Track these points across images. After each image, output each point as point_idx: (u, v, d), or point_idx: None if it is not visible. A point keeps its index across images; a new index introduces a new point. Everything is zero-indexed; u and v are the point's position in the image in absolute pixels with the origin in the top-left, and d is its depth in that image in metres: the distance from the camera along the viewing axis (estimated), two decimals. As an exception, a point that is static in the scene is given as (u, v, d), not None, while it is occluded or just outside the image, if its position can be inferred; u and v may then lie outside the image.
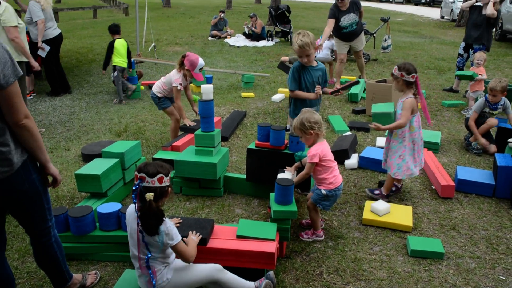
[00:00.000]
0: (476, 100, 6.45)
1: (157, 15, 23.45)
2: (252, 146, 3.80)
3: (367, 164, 4.65)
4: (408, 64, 3.71)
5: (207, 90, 3.88)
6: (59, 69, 7.59)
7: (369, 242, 3.33)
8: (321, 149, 3.15)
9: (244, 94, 7.56)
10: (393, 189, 4.08)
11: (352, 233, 3.45)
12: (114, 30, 7.43)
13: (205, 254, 2.72)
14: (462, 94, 7.96)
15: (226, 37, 14.71)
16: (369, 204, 3.73)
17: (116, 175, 3.81)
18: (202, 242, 2.68)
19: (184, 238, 2.49)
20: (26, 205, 2.25)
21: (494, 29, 8.30)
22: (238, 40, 14.23)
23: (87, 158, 4.65)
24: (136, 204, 2.24)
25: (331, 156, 3.21)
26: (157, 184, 2.24)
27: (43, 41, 6.99)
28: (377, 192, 4.02)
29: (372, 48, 12.40)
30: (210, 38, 14.72)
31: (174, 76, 4.86)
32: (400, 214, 3.61)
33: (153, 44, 11.29)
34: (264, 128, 3.70)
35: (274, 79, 8.82)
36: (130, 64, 7.42)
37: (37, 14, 6.81)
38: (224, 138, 5.30)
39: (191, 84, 7.82)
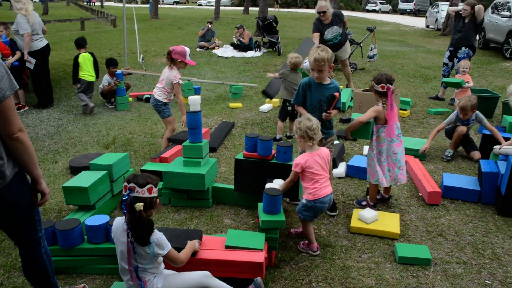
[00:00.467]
0: None
1: (145, 26, 23.50)
2: (240, 156, 3.82)
3: (354, 172, 4.69)
4: (382, 74, 3.77)
5: (194, 101, 3.90)
6: (47, 81, 7.57)
7: (357, 250, 3.36)
8: (306, 160, 3.15)
9: (232, 104, 7.59)
10: (378, 197, 4.13)
11: (340, 241, 3.48)
12: (79, 44, 7.44)
13: (194, 265, 2.73)
14: (448, 102, 8.08)
15: (214, 48, 14.79)
16: (357, 212, 3.76)
17: (104, 187, 3.81)
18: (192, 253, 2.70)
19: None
20: (18, 217, 2.25)
21: (478, 37, 8.50)
22: (226, 51, 14.31)
23: (74, 170, 4.63)
24: (125, 215, 2.25)
25: (317, 168, 3.15)
26: (146, 194, 2.27)
27: (29, 53, 6.97)
28: (364, 203, 4.07)
29: (360, 57, 12.53)
30: (198, 49, 14.78)
31: (171, 74, 4.95)
32: (388, 222, 3.65)
33: (141, 55, 11.31)
34: (252, 138, 3.73)
35: (262, 90, 8.86)
36: (97, 75, 7.44)
37: (23, 27, 6.80)
38: (213, 149, 5.32)
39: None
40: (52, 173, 4.79)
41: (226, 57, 13.32)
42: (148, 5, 36.64)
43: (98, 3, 59.58)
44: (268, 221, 2.94)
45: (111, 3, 68.70)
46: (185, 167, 3.91)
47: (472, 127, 5.40)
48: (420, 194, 4.33)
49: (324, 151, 3.28)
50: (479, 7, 7.60)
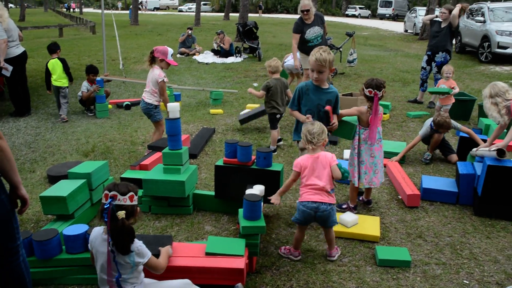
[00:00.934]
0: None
1: (124, 33, 23.35)
2: (220, 163, 3.81)
3: (335, 176, 4.72)
4: (373, 79, 3.83)
5: (173, 108, 3.88)
6: (24, 89, 7.45)
7: (339, 254, 3.37)
8: (304, 161, 3.16)
9: (212, 110, 7.58)
10: (360, 197, 4.20)
11: (321, 245, 3.49)
12: (50, 49, 7.51)
13: (174, 272, 2.71)
14: (426, 105, 8.21)
15: (194, 54, 14.77)
16: (337, 216, 3.78)
17: (83, 196, 3.76)
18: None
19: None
20: None
21: (454, 41, 8.69)
22: (207, 57, 14.31)
23: (53, 179, 4.56)
24: (106, 224, 2.23)
25: (311, 172, 3.13)
26: (128, 202, 2.27)
27: (5, 60, 6.85)
28: (344, 206, 4.10)
29: (339, 62, 12.65)
30: (178, 55, 14.74)
31: (155, 74, 5.02)
32: (368, 225, 3.68)
33: (121, 62, 11.23)
34: (232, 144, 3.72)
35: (242, 95, 8.88)
36: (70, 79, 7.48)
37: (-1, 34, 6.69)
38: (193, 156, 5.29)
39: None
40: (29, 182, 4.71)
41: (206, 63, 13.32)
42: (128, 12, 36.46)
43: (77, 10, 59.00)
44: (248, 227, 2.94)
45: (90, 10, 68.25)
46: (165, 174, 3.89)
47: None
48: (400, 197, 4.38)
49: (324, 156, 3.17)
50: (453, 14, 7.74)
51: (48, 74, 7.23)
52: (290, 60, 8.57)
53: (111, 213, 2.22)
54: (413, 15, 26.58)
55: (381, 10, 47.92)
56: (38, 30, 23.00)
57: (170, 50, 5.12)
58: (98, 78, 7.44)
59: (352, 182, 3.99)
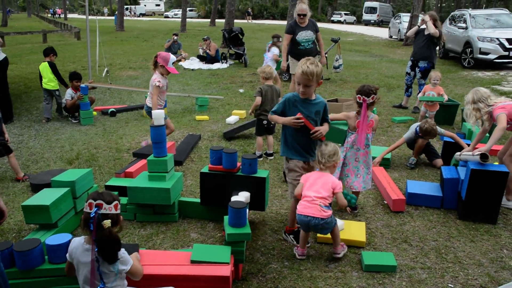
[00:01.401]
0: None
1: (110, 39, 23.23)
2: (205, 169, 3.79)
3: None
4: (364, 86, 3.91)
5: (158, 115, 3.86)
6: (6, 96, 7.33)
7: (324, 260, 3.37)
8: (310, 175, 3.36)
9: (198, 117, 7.55)
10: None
11: (308, 252, 3.48)
12: (45, 52, 7.90)
13: (159, 281, 2.69)
14: (411, 110, 8.29)
15: (180, 60, 14.73)
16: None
17: (67, 204, 3.70)
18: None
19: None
20: None
21: (438, 48, 8.84)
22: (193, 63, 14.28)
23: (36, 188, 4.49)
24: (91, 233, 2.20)
25: (310, 185, 3.28)
26: (113, 211, 2.25)
27: None
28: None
29: (325, 68, 12.72)
30: (164, 61, 14.67)
31: (152, 78, 5.24)
32: (354, 230, 3.68)
33: (106, 69, 11.15)
34: (217, 151, 3.71)
35: (228, 101, 8.88)
36: (61, 82, 7.74)
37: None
38: (179, 162, 5.26)
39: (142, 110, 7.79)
40: (11, 191, 4.63)
41: (192, 69, 13.29)
42: (113, 18, 36.31)
43: (62, 15, 58.58)
44: (233, 234, 2.93)
45: (75, 15, 67.76)
46: (150, 182, 3.86)
47: None
48: (385, 202, 4.41)
49: (329, 178, 3.32)
50: (433, 32, 7.84)
51: (40, 76, 7.59)
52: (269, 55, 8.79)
53: (97, 222, 2.20)
54: (398, 21, 26.96)
55: (366, 16, 48.47)
56: (21, 36, 22.76)
57: (172, 58, 5.27)
58: (82, 85, 7.36)
59: None
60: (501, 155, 4.43)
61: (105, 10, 68.09)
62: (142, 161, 4.89)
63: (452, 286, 3.09)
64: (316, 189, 3.25)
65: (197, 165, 5.32)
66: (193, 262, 2.80)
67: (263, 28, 32.48)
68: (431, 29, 7.84)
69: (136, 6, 65.90)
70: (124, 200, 3.97)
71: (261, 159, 5.50)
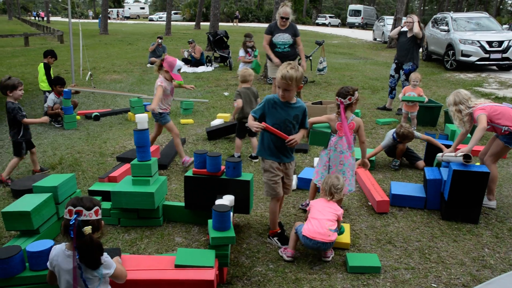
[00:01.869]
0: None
1: (94, 42, 23.04)
2: (189, 173, 3.77)
3: (305, 185, 4.73)
4: (341, 88, 3.93)
5: (141, 119, 3.84)
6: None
7: (309, 262, 3.38)
8: (316, 203, 3.51)
9: (183, 120, 7.52)
10: None
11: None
12: (44, 53, 8.20)
13: (143, 286, 2.67)
14: (395, 112, 8.37)
15: (165, 64, 14.64)
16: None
17: (49, 210, 3.65)
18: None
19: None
20: None
21: (421, 50, 8.97)
22: (178, 66, 14.20)
23: (17, 194, 4.42)
24: (72, 240, 2.18)
25: (315, 213, 3.40)
26: (94, 217, 2.23)
27: None
28: (303, 204, 4.28)
29: (309, 70, 12.79)
30: (148, 65, 14.61)
31: (157, 81, 5.14)
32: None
33: (89, 72, 11.05)
34: (201, 155, 3.69)
35: (213, 105, 8.86)
36: (49, 84, 7.82)
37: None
38: (163, 166, 5.23)
39: (129, 113, 7.73)
40: (-8, 197, 4.55)
41: (177, 73, 13.22)
42: (97, 21, 36.04)
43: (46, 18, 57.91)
44: (217, 237, 2.92)
45: (58, 18, 67.03)
46: (134, 186, 3.83)
47: None
48: (370, 203, 4.44)
49: (337, 207, 3.45)
50: (415, 33, 7.94)
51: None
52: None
53: (78, 229, 2.17)
54: (382, 24, 27.27)
55: (350, 19, 48.93)
56: (1, 39, 22.41)
57: (178, 65, 5.15)
58: (65, 89, 7.28)
59: (314, 182, 4.07)
60: (482, 156, 4.50)
61: (90, 13, 67.56)
62: (126, 165, 4.85)
63: (435, 285, 3.12)
64: (325, 213, 3.37)
65: (182, 169, 5.29)
66: (177, 266, 2.78)
67: (248, 31, 32.50)
68: (415, 28, 7.93)
69: (124, 9, 65.55)
70: (107, 205, 3.93)
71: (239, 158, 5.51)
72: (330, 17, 55.80)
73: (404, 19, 8.64)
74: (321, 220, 3.31)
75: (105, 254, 2.31)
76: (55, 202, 3.75)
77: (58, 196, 3.75)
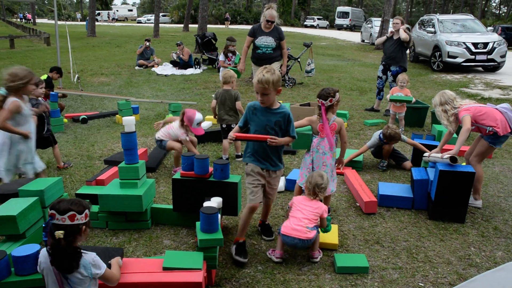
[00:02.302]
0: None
1: (81, 44, 22.88)
2: (177, 176, 3.76)
3: (293, 186, 4.74)
4: (322, 89, 3.94)
5: (129, 122, 3.82)
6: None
7: (298, 263, 3.39)
8: (298, 200, 3.52)
9: (172, 122, 7.48)
10: None
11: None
12: (50, 68, 8.09)
13: (130, 290, 2.65)
14: (383, 113, 8.43)
15: (153, 66, 14.61)
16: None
17: (35, 214, 3.61)
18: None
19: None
20: None
21: (408, 51, 9.08)
22: (166, 69, 14.17)
23: (2, 198, 4.35)
24: (47, 243, 2.17)
25: (296, 211, 3.42)
26: (68, 222, 2.18)
27: None
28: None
29: (298, 72, 12.84)
30: (137, 67, 14.55)
31: (179, 131, 5.11)
32: (326, 233, 3.71)
33: (76, 75, 10.96)
34: (188, 157, 3.69)
35: (201, 107, 8.84)
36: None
37: None
38: (152, 169, 5.21)
39: (117, 116, 7.69)
40: (-23, 202, 4.49)
41: (165, 75, 13.20)
42: (84, 23, 35.81)
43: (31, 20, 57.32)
44: (205, 239, 2.92)
45: (45, 20, 66.43)
46: (122, 189, 3.81)
47: None
48: (358, 204, 4.46)
49: (319, 204, 3.43)
50: (404, 37, 8.01)
51: None
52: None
53: (50, 232, 2.16)
54: (369, 25, 27.47)
55: (338, 21, 49.25)
56: (-14, 42, 22.17)
57: (197, 119, 5.09)
58: (52, 92, 7.22)
59: (299, 185, 4.09)
60: (467, 156, 4.55)
61: (78, 15, 67.13)
62: (113, 168, 4.82)
63: (423, 285, 3.15)
64: (305, 212, 3.37)
65: (170, 172, 5.28)
66: (165, 269, 2.78)
67: (236, 33, 32.49)
68: (402, 34, 8.00)
69: (114, 11, 65.34)
70: (95, 208, 3.91)
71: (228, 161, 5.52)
72: (318, 19, 56.09)
73: (391, 21, 8.69)
74: (300, 219, 3.33)
75: (93, 254, 2.30)
76: (42, 206, 3.71)
77: (44, 200, 3.70)
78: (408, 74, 7.91)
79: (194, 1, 36.95)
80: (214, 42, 15.08)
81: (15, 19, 63.71)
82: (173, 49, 16.82)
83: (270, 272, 3.25)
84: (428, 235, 3.87)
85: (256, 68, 7.24)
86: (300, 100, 9.36)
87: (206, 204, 3.23)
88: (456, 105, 4.28)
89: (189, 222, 3.87)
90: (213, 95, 5.85)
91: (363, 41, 28.63)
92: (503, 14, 60.69)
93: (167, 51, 18.25)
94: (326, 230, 3.51)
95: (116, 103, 8.12)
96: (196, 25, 23.43)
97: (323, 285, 3.11)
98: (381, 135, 5.43)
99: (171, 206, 3.93)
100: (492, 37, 14.45)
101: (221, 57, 10.42)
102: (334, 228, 3.82)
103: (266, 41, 7.12)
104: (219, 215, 3.27)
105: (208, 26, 24.05)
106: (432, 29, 15.46)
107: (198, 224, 3.08)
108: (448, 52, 14.04)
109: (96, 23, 34.03)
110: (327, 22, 55.74)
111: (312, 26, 52.96)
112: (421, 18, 17.94)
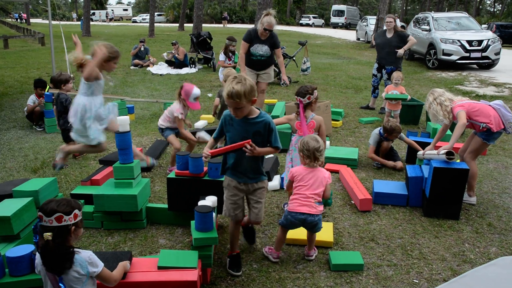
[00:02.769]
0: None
1: (76, 45, 22.74)
2: (172, 175, 3.76)
3: (289, 184, 4.76)
4: (300, 87, 4.01)
5: (123, 121, 3.81)
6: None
7: (293, 261, 3.40)
8: (299, 172, 3.24)
9: (167, 122, 7.47)
10: None
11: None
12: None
13: (126, 289, 2.65)
14: (378, 111, 8.45)
15: (148, 66, 14.58)
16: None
17: (30, 215, 3.58)
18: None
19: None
20: None
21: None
22: (161, 68, 14.14)
23: (-3, 199, 4.35)
24: (37, 245, 2.17)
25: (303, 184, 3.19)
26: (55, 224, 2.15)
27: None
28: (285, 205, 4.25)
29: (294, 71, 12.84)
30: (132, 67, 14.51)
31: (175, 107, 5.04)
32: (321, 231, 3.69)
33: (71, 75, 10.91)
34: (183, 156, 3.69)
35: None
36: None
37: None
38: (147, 169, 5.20)
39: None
40: (-28, 203, 4.47)
41: (161, 75, 13.17)
42: (79, 23, 35.67)
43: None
44: (200, 238, 2.92)
45: (39, 20, 66.13)
46: (117, 189, 3.80)
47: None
48: (353, 202, 4.47)
49: (321, 172, 3.23)
50: (400, 54, 8.05)
51: None
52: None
53: (40, 234, 2.16)
54: (364, 23, 27.51)
55: (334, 19, 49.28)
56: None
57: (195, 93, 5.04)
58: (47, 93, 7.19)
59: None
60: (461, 153, 4.57)
61: (74, 14, 66.87)
62: (108, 168, 4.81)
63: (417, 281, 3.16)
64: (311, 187, 3.18)
65: (165, 171, 5.28)
66: (160, 268, 2.78)
67: (232, 32, 32.47)
68: (400, 51, 8.00)
69: (112, 10, 65.23)
70: (90, 208, 3.90)
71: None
72: (314, 17, 56.12)
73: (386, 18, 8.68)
74: (307, 195, 3.16)
75: (89, 252, 2.29)
76: (36, 206, 3.69)
77: (39, 200, 3.69)
78: (403, 72, 7.94)
79: (189, 0, 36.91)
80: (209, 41, 15.06)
81: (10, 19, 63.30)
82: (169, 49, 16.78)
83: (265, 271, 3.25)
84: (422, 232, 3.88)
85: (251, 72, 7.03)
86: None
87: (201, 203, 3.23)
88: (447, 102, 4.30)
89: (184, 221, 3.87)
90: (209, 94, 5.86)
91: (358, 39, 28.67)
92: (497, 12, 60.90)
93: (162, 50, 18.20)
94: (327, 203, 3.38)
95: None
96: (192, 24, 23.37)
97: (318, 283, 3.12)
98: (381, 130, 5.44)
99: (166, 206, 3.93)
100: (486, 34, 14.50)
101: (221, 57, 10.38)
102: (329, 225, 3.83)
103: (261, 50, 6.81)
104: (214, 214, 3.27)
105: (204, 25, 24.05)
106: (427, 27, 15.50)
107: (193, 223, 3.09)
108: (443, 50, 14.09)
109: (92, 22, 33.90)
110: (323, 21, 55.78)
111: (307, 25, 52.98)
112: (416, 16, 17.99)
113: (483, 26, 25.13)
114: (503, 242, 3.72)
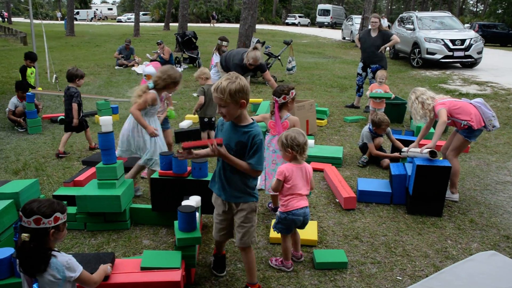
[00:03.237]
0: None
1: (60, 44, 22.51)
2: (155, 175, 3.74)
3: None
4: (277, 86, 3.99)
5: (106, 122, 3.78)
6: None
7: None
8: (290, 170, 3.08)
9: (152, 122, 7.42)
10: (268, 204, 4.38)
11: (260, 252, 3.50)
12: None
13: (108, 291, 2.63)
14: (363, 110, 8.51)
15: (133, 66, 14.46)
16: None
17: (10, 217, 3.52)
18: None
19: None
20: None
21: (388, 49, 9.17)
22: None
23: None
24: (16, 245, 2.14)
25: (297, 182, 3.09)
26: (33, 225, 2.12)
27: None
28: (270, 205, 4.31)
29: (279, 70, 12.85)
30: (116, 67, 14.38)
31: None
32: (306, 230, 3.68)
33: (55, 75, 10.79)
34: (166, 156, 3.67)
35: (182, 106, 8.81)
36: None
37: None
38: (130, 169, 5.15)
39: (96, 116, 7.59)
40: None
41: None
42: (63, 22, 35.22)
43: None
44: (183, 238, 2.91)
45: (21, 19, 65.13)
46: (100, 190, 3.77)
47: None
48: (337, 200, 4.49)
49: (307, 167, 3.16)
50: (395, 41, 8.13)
51: None
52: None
53: (19, 234, 2.13)
54: (350, 23, 27.67)
55: (319, 19, 49.44)
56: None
57: (145, 69, 5.24)
58: (28, 93, 7.08)
59: (266, 192, 4.18)
60: (444, 151, 4.62)
61: (58, 14, 66.02)
62: (91, 169, 4.76)
63: (400, 278, 3.19)
64: (303, 184, 3.13)
65: (149, 171, 5.23)
66: (143, 269, 2.76)
67: (218, 31, 32.43)
68: (382, 48, 8.09)
69: (83, 11, 64.52)
70: (73, 209, 3.86)
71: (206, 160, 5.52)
72: (300, 16, 56.22)
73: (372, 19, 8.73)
74: (303, 196, 3.14)
75: (68, 256, 2.25)
76: (17, 208, 3.64)
77: (20, 202, 3.63)
78: (388, 71, 7.99)
79: (174, 0, 36.69)
80: (194, 40, 15.00)
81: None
82: (154, 48, 16.68)
83: (250, 270, 3.25)
84: (406, 229, 3.92)
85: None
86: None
87: (184, 203, 3.22)
88: (429, 100, 4.35)
89: (168, 221, 3.85)
90: (195, 94, 5.85)
91: (344, 38, 28.82)
92: (480, 12, 61.77)
93: (148, 50, 18.09)
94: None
95: (95, 103, 8.03)
96: (177, 24, 23.25)
97: (303, 281, 3.13)
98: (370, 127, 5.47)
99: (150, 206, 3.90)
100: (469, 34, 14.68)
101: (215, 58, 10.22)
102: (313, 224, 3.84)
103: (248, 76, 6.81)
104: (198, 214, 3.26)
105: (190, 24, 23.94)
106: (411, 26, 15.64)
107: (176, 223, 3.07)
108: (427, 49, 14.23)
109: (76, 22, 33.51)
110: (309, 20, 55.92)
111: (293, 24, 53.06)
112: (401, 15, 18.15)
113: (466, 25, 25.46)
114: (484, 238, 3.77)
